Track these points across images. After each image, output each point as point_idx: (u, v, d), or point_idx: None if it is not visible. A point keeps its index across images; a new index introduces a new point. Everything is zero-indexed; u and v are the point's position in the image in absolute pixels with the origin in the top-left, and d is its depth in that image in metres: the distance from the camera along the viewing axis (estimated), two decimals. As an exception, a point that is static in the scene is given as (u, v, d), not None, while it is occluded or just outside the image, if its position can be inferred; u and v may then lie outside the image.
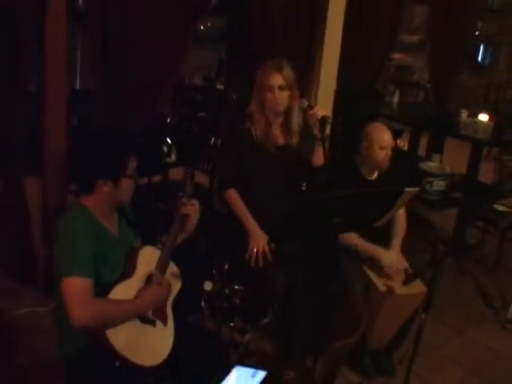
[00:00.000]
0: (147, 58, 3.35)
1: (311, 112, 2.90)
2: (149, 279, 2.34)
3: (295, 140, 3.13)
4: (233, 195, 3.15)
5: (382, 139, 3.23)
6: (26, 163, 3.39)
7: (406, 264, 3.19)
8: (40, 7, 3.15)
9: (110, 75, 3.33)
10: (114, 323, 2.15)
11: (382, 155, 3.24)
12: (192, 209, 2.52)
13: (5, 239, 3.48)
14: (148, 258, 2.37)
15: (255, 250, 3.00)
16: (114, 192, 2.28)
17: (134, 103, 3.39)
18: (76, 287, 2.07)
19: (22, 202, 3.43)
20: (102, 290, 2.17)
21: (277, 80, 2.99)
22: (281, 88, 3.00)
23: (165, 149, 3.95)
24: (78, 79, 6.72)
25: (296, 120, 3.11)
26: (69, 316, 2.04)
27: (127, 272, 2.30)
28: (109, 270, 2.24)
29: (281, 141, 3.14)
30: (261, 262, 2.99)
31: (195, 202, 2.54)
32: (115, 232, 2.38)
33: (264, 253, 3.01)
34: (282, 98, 3.02)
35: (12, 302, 3.46)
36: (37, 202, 3.54)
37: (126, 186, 2.33)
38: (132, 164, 2.32)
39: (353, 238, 3.18)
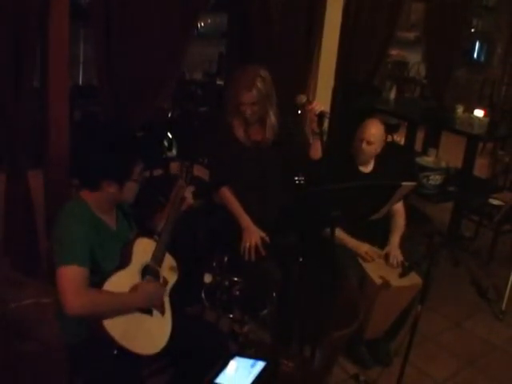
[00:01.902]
0: (149, 53, 3.38)
1: (309, 107, 2.93)
2: (145, 270, 2.37)
3: (273, 136, 3.16)
4: (226, 193, 3.19)
5: (364, 132, 3.30)
6: (30, 157, 3.43)
7: (401, 258, 3.26)
8: (43, 3, 3.18)
9: (112, 71, 3.37)
10: (107, 314, 2.17)
11: (363, 148, 3.31)
12: (188, 194, 2.58)
13: (9, 231, 3.52)
14: (143, 248, 2.40)
15: (248, 244, 3.04)
16: (118, 193, 2.32)
17: (136, 98, 3.42)
18: (70, 275, 2.10)
19: (26, 196, 3.47)
20: (100, 278, 2.21)
21: (249, 98, 3.01)
22: (253, 104, 3.03)
23: (165, 143, 4.00)
24: (80, 75, 6.76)
25: (272, 121, 3.13)
26: (62, 303, 2.08)
27: (123, 262, 2.33)
28: (107, 261, 2.27)
29: (261, 138, 3.18)
30: (253, 257, 3.03)
31: (191, 188, 2.59)
32: (113, 225, 2.40)
33: (257, 247, 3.05)
34: (253, 112, 3.06)
35: (17, 293, 3.49)
36: (40, 195, 3.58)
37: (131, 188, 2.36)
38: (138, 168, 2.34)
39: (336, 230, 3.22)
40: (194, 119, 4.62)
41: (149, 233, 2.55)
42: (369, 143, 3.29)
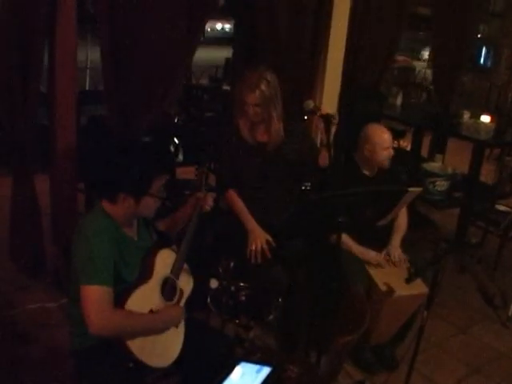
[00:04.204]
0: (155, 58, 3.39)
1: (317, 115, 2.95)
2: (165, 282, 2.34)
3: (279, 140, 3.16)
4: (232, 196, 3.19)
5: (384, 141, 3.30)
6: (37, 161, 3.44)
7: (406, 260, 3.25)
8: (51, 9, 3.20)
9: (119, 76, 3.38)
10: (129, 336, 2.16)
11: (386, 155, 3.30)
12: (210, 200, 2.59)
13: (16, 235, 3.53)
14: (164, 260, 2.36)
15: (254, 247, 3.04)
16: (135, 207, 2.24)
17: (143, 103, 3.43)
18: (96, 296, 2.07)
19: (33, 199, 3.48)
20: (121, 288, 2.19)
21: (252, 99, 3.01)
22: (255, 105, 3.03)
23: (172, 148, 4.01)
24: (87, 80, 6.80)
25: (276, 126, 3.12)
26: (86, 323, 2.05)
27: (144, 274, 2.28)
28: (129, 271, 2.25)
29: (266, 140, 3.18)
30: (259, 260, 3.03)
31: (213, 194, 2.61)
32: (135, 235, 2.36)
33: (263, 250, 3.05)
34: (256, 113, 3.06)
35: (23, 297, 3.51)
36: (47, 199, 3.59)
37: (148, 204, 2.28)
38: (158, 182, 2.26)
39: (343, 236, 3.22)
40: (200, 124, 4.62)
41: (164, 239, 2.53)
42: (387, 149, 3.29)
